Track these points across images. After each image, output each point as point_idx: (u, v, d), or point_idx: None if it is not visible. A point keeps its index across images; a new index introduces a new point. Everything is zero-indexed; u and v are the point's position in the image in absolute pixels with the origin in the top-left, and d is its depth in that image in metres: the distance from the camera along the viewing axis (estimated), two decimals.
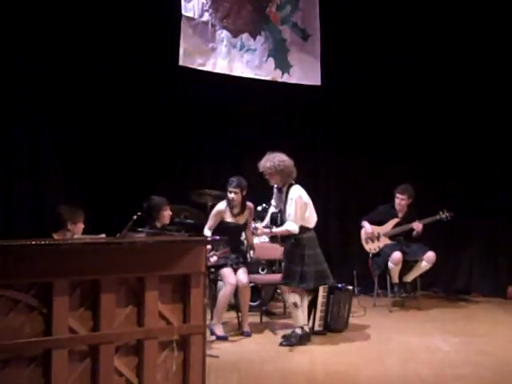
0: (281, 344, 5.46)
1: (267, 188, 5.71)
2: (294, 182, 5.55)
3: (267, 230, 5.54)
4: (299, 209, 5.43)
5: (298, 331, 5.49)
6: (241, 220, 6.00)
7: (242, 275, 5.83)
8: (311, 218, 5.58)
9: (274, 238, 5.74)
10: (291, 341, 5.46)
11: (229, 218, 5.96)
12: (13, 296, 3.24)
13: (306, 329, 5.55)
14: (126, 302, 3.55)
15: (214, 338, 5.63)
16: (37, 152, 7.21)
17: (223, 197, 6.05)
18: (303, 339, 5.49)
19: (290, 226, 5.42)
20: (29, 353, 3.27)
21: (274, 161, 5.43)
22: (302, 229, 5.47)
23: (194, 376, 3.71)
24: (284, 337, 5.57)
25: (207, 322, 5.21)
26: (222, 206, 6.00)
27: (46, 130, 7.27)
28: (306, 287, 5.51)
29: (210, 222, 5.96)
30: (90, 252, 3.49)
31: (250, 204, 6.05)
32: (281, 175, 5.48)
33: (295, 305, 5.50)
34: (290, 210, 5.43)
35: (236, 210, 5.95)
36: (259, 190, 6.15)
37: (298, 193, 5.48)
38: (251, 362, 5.04)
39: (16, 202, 6.95)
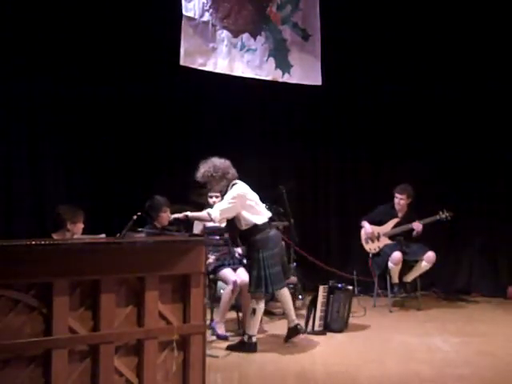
0: (227, 348, 5.35)
1: (268, 188, 5.70)
2: (236, 181, 5.35)
3: (180, 215, 5.30)
4: (232, 204, 5.19)
5: (245, 338, 5.32)
6: (223, 223, 5.99)
7: (244, 274, 5.80)
8: (259, 216, 5.32)
9: (233, 242, 5.64)
10: (235, 347, 5.33)
11: (210, 223, 5.95)
12: (13, 296, 3.24)
13: (254, 340, 5.29)
14: (126, 302, 3.56)
15: (214, 338, 5.63)
16: (37, 152, 7.20)
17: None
18: (248, 348, 5.27)
19: (212, 211, 5.15)
20: (29, 353, 3.28)
21: (201, 171, 5.32)
22: (254, 230, 5.27)
23: (194, 376, 3.72)
24: (230, 346, 5.39)
25: (208, 322, 5.23)
26: None
27: (46, 130, 7.27)
28: (264, 292, 5.27)
29: (195, 232, 5.87)
30: (90, 252, 3.50)
31: None
32: (215, 181, 5.32)
33: (253, 312, 5.29)
34: (222, 201, 5.26)
35: None
36: (260, 190, 6.13)
37: (236, 190, 5.28)
38: (251, 361, 5.04)
39: (16, 202, 6.94)
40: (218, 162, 5.33)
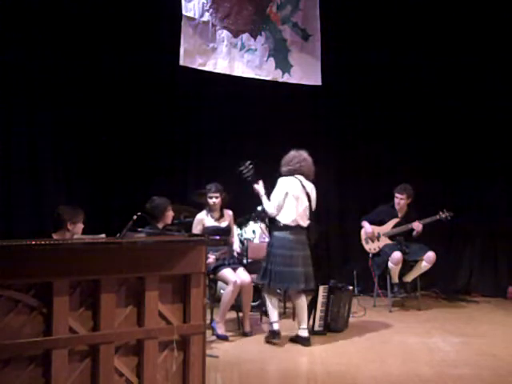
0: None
1: (268, 188, 5.69)
2: (286, 177, 5.62)
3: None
4: (276, 197, 5.51)
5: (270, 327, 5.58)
6: (222, 223, 6.03)
7: (244, 274, 5.83)
8: (287, 216, 5.48)
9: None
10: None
11: (210, 223, 5.99)
12: (13, 296, 3.24)
13: (275, 326, 5.51)
14: (125, 302, 3.56)
15: (214, 337, 5.63)
16: (37, 152, 7.19)
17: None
18: (271, 336, 5.52)
19: (268, 205, 5.52)
20: (29, 353, 3.28)
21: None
22: (276, 225, 5.49)
23: (194, 376, 3.72)
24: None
25: (208, 322, 5.23)
26: (201, 214, 6.06)
27: (46, 129, 7.26)
28: (264, 283, 5.50)
29: (194, 232, 5.89)
30: (90, 252, 3.50)
31: (229, 212, 6.13)
32: (282, 168, 5.69)
33: (265, 301, 5.64)
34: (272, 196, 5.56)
35: (216, 214, 6.02)
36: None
37: (279, 184, 5.58)
38: (251, 361, 5.04)
39: (16, 202, 6.94)
40: (289, 155, 5.72)
